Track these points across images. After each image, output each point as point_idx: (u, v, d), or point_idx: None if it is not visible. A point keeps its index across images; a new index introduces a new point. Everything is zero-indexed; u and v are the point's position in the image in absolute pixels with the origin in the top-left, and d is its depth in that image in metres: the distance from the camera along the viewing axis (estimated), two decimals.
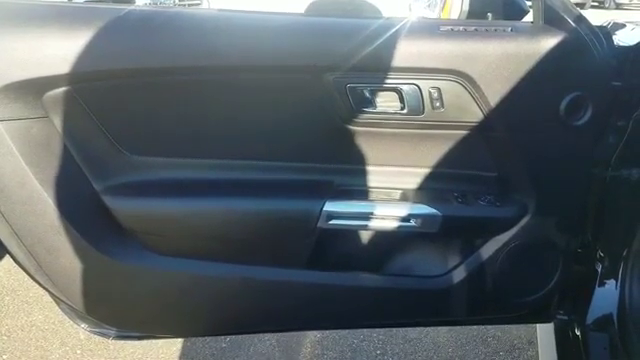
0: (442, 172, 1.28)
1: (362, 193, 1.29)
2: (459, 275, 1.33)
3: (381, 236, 1.31)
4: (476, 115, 1.14)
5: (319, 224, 1.21)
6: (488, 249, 1.31)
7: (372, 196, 1.29)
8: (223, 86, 1.15)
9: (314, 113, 1.21)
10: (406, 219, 1.24)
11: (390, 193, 1.30)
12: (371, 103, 1.16)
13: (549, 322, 1.47)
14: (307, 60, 1.11)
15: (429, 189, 1.30)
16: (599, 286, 1.36)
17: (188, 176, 1.24)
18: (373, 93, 1.16)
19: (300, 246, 1.26)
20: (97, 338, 1.91)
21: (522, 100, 1.11)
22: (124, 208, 1.19)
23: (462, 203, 1.26)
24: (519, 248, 1.28)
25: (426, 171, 1.29)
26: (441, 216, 1.23)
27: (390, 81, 1.13)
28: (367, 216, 1.24)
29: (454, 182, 1.29)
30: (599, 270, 1.33)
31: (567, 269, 1.32)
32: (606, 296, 1.33)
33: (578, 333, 1.35)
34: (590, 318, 1.34)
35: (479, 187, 1.27)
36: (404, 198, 1.29)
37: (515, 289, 1.36)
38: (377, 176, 1.29)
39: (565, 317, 1.41)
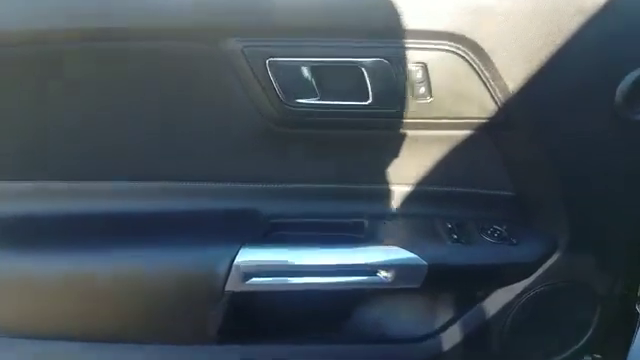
0: (428, 192, 0.88)
1: (304, 228, 0.84)
2: (453, 337, 0.95)
3: (332, 299, 0.89)
4: (484, 106, 0.76)
5: (229, 287, 0.77)
6: (496, 301, 0.94)
7: (319, 232, 0.86)
8: (71, 64, 0.74)
9: (218, 106, 0.77)
10: (371, 271, 0.81)
11: (346, 227, 0.87)
12: (311, 89, 0.74)
13: None
14: (200, 19, 0.70)
15: (408, 218, 0.88)
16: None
17: (15, 210, 0.81)
18: (314, 73, 0.73)
19: (199, 321, 0.81)
20: None
21: (557, 82, 0.74)
22: None
23: (459, 241, 0.84)
24: (541, 297, 0.94)
25: (403, 191, 0.88)
26: (426, 266, 0.80)
27: (343, 53, 0.72)
28: (309, 269, 0.80)
29: (447, 207, 0.89)
30: None
31: (605, 321, 1.01)
32: None
33: None
34: None
35: (486, 213, 0.90)
36: (370, 234, 0.86)
37: (532, 352, 1.02)
38: (326, 201, 0.86)
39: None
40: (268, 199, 0.84)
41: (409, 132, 0.80)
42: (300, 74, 0.72)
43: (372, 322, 0.96)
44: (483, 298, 0.94)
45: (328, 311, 0.92)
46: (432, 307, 0.96)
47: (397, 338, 0.96)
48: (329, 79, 0.73)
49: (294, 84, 0.72)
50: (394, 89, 0.73)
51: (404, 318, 0.96)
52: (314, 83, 0.73)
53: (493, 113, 0.76)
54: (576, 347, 1.02)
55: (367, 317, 0.96)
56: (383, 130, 0.79)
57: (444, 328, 0.95)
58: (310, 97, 0.73)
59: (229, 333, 0.84)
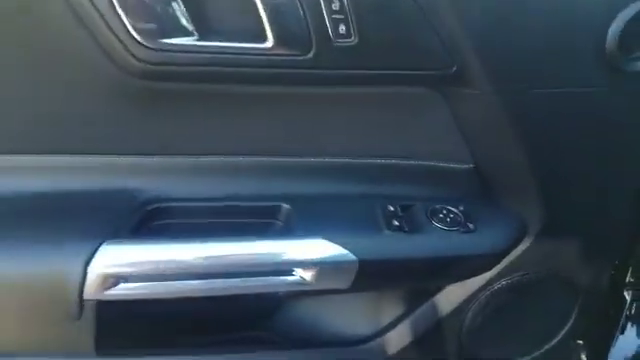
0: (362, 166, 0.68)
1: (195, 215, 0.64)
2: (401, 338, 0.80)
3: (254, 298, 0.69)
4: (429, 53, 0.57)
5: (88, 294, 0.57)
6: (452, 297, 0.79)
7: (215, 219, 0.66)
8: None
9: (58, 54, 0.55)
10: (285, 271, 0.61)
11: (252, 212, 0.67)
12: (181, 26, 0.52)
13: None
14: None
15: (336, 201, 0.68)
16: (627, 319, 0.93)
17: None
18: (186, 4, 0.51)
19: (60, 332, 0.63)
20: None
21: (528, 23, 0.56)
22: None
23: (401, 230, 0.64)
24: (507, 291, 0.79)
25: (328, 165, 0.68)
26: (357, 262, 0.61)
27: None
28: (199, 270, 0.60)
29: (388, 184, 0.69)
30: (628, 298, 0.93)
31: (587, 313, 0.87)
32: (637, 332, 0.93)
33: None
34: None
35: (437, 191, 0.71)
36: (284, 222, 0.67)
37: (497, 351, 0.87)
38: (225, 178, 0.66)
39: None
40: (143, 177, 0.62)
41: (329, 87, 0.59)
42: (166, 7, 0.50)
43: (303, 323, 0.78)
44: (435, 293, 0.76)
45: (249, 313, 0.74)
46: (376, 304, 0.78)
47: (334, 341, 0.79)
48: (208, 11, 0.51)
49: (153, 18, 0.49)
50: (302, 26, 0.51)
51: (340, 318, 0.79)
52: (185, 16, 0.51)
53: (443, 63, 0.57)
54: (550, 345, 0.87)
55: (297, 317, 0.78)
56: (292, 85, 0.58)
57: (391, 327, 0.79)
58: (182, 36, 0.52)
59: (108, 347, 0.66)
